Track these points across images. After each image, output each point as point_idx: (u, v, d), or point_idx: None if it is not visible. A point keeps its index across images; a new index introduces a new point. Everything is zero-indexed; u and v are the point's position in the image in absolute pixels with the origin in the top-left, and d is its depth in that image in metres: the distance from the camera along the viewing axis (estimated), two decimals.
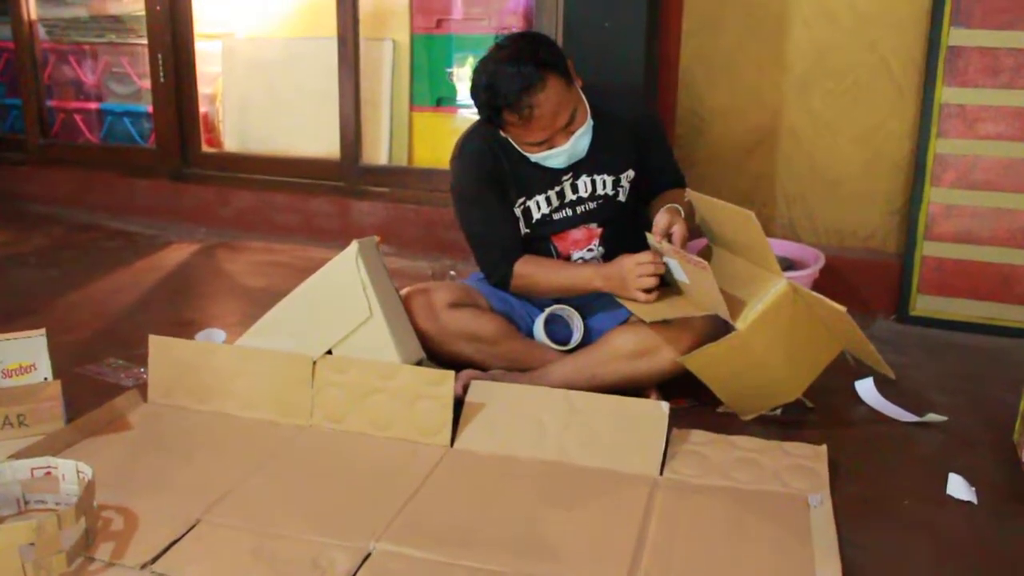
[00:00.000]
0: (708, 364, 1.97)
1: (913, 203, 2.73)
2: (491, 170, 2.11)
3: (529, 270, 2.12)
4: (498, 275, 2.16)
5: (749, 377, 1.96)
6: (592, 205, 2.16)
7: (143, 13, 3.89)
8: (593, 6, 2.70)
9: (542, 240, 2.19)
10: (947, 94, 2.66)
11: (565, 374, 2.06)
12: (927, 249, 2.73)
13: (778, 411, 2.06)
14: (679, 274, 1.98)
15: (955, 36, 2.63)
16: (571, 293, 2.16)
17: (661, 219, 1.99)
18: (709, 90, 3.01)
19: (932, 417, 2.04)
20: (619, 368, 2.04)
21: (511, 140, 2.06)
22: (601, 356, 2.05)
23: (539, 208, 2.15)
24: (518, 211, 2.16)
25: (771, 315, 1.84)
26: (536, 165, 2.11)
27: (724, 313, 1.86)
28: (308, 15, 3.83)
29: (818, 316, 1.86)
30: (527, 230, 2.17)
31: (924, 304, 2.75)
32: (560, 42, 2.76)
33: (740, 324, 1.85)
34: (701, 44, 2.97)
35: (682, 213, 2.04)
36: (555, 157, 2.05)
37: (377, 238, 2.07)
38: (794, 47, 2.87)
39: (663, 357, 2.02)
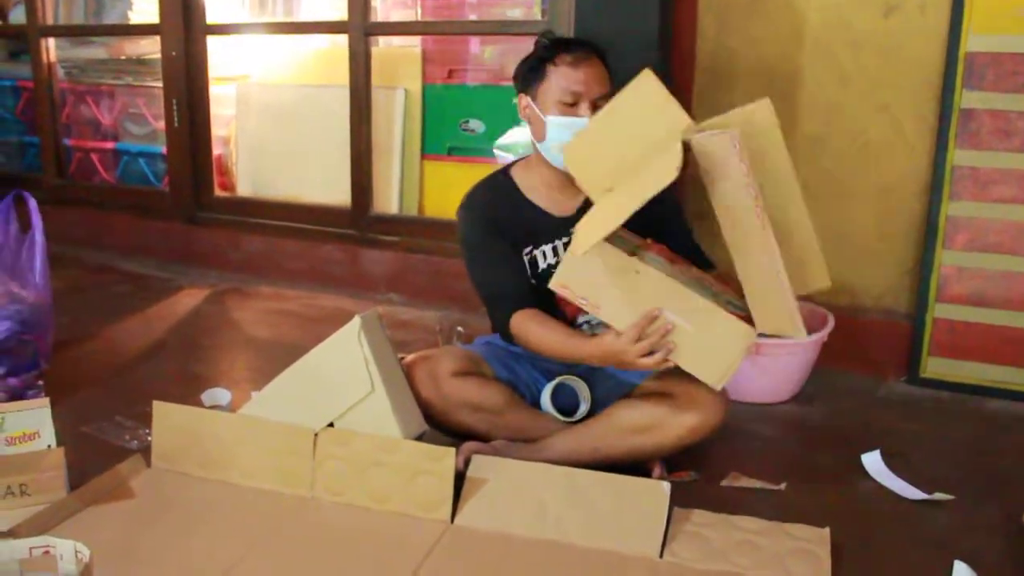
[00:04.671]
0: None
1: (925, 264, 2.71)
2: (496, 219, 2.15)
3: (527, 328, 2.07)
4: (499, 325, 2.15)
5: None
6: None
7: (159, 56, 3.93)
8: None
9: (549, 295, 2.18)
10: (959, 156, 2.64)
11: (567, 447, 2.05)
12: (939, 311, 2.71)
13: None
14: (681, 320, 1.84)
15: (967, 99, 2.62)
16: (564, 361, 2.13)
17: None
18: None
19: (940, 495, 2.01)
20: (622, 442, 2.03)
21: (537, 104, 2.07)
22: (604, 430, 2.04)
23: (545, 258, 2.16)
24: (524, 260, 2.16)
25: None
26: (546, 214, 2.15)
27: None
28: (321, 63, 3.86)
29: None
30: (533, 281, 2.17)
31: (935, 366, 2.73)
32: None
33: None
34: (712, 103, 2.96)
35: None
36: (575, 128, 2.01)
37: (380, 310, 2.07)
38: (806, 107, 2.86)
39: (666, 434, 2.00)
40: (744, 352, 1.81)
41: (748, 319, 1.82)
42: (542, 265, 2.16)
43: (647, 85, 1.81)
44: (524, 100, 2.12)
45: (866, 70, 2.77)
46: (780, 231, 1.71)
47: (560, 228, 2.15)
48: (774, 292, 1.72)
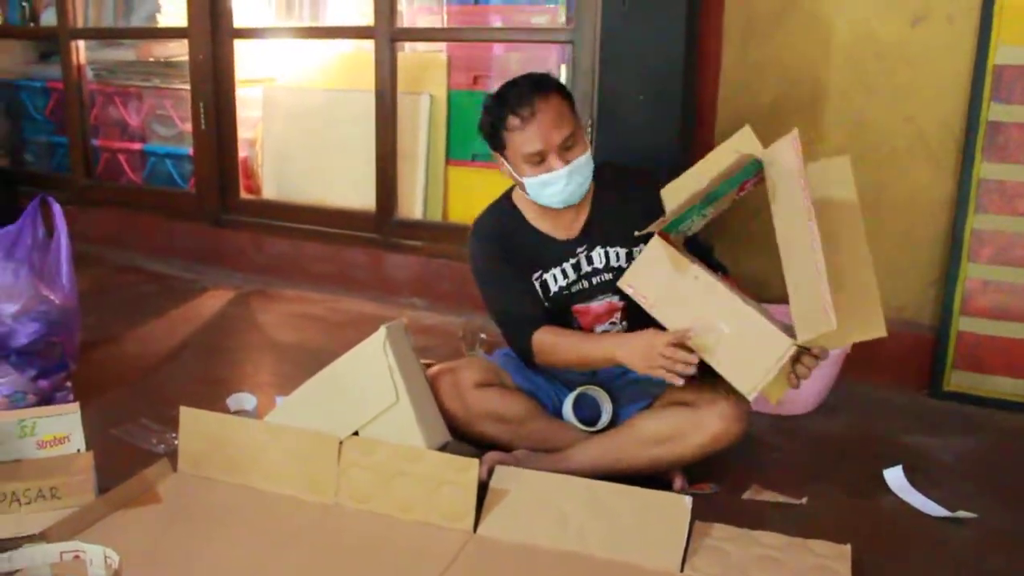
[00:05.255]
0: None
1: (949, 277, 2.70)
2: (503, 245, 2.18)
3: (549, 341, 2.11)
4: (519, 348, 2.17)
5: None
6: (608, 276, 2.18)
7: (186, 58, 3.96)
8: (628, 77, 2.72)
9: (563, 313, 2.20)
10: (986, 169, 2.63)
11: (589, 457, 2.06)
12: (963, 324, 2.70)
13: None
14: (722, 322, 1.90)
15: (995, 111, 2.61)
16: (592, 366, 2.15)
17: None
18: None
19: (963, 514, 2.01)
20: (643, 453, 2.04)
21: (510, 165, 2.10)
22: (625, 441, 2.05)
23: (556, 281, 2.18)
24: (536, 283, 2.19)
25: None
26: (550, 238, 2.18)
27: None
28: (347, 67, 3.88)
29: None
30: (546, 304, 2.19)
31: (958, 380, 2.72)
32: (594, 113, 2.81)
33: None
34: (736, 112, 2.96)
35: None
36: (553, 184, 2.05)
37: (405, 321, 2.09)
38: (830, 117, 2.86)
39: (687, 443, 2.01)
40: (779, 362, 1.82)
41: (789, 333, 1.84)
42: (553, 288, 2.18)
43: (745, 137, 1.99)
44: (499, 158, 2.13)
45: (892, 81, 2.76)
46: (839, 277, 1.78)
47: (565, 251, 2.18)
48: (809, 284, 1.76)
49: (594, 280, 2.18)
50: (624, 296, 2.18)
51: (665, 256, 1.95)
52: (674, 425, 2.02)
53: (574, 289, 2.18)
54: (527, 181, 2.08)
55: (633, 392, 2.18)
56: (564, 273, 2.17)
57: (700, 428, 2.00)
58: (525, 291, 2.17)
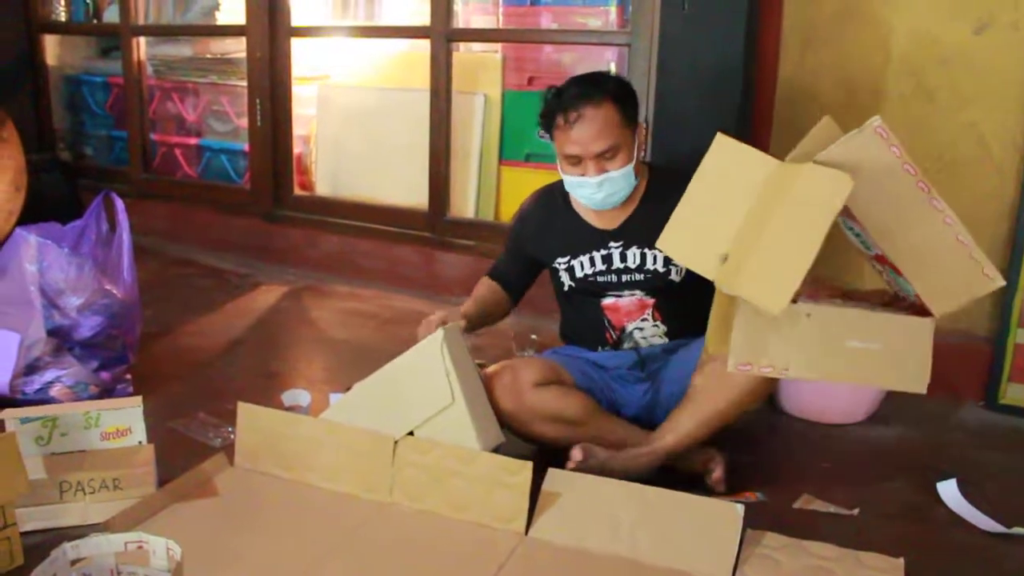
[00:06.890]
0: None
1: (1008, 288, 2.66)
2: (534, 227, 2.35)
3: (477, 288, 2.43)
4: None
5: None
6: (639, 277, 2.23)
7: (243, 55, 4.03)
8: (684, 81, 2.71)
9: (592, 303, 2.27)
10: None
11: (680, 433, 2.07)
12: (1020, 336, 2.66)
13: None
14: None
15: None
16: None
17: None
18: None
19: (1018, 531, 1.98)
20: (717, 401, 2.05)
21: (558, 157, 2.18)
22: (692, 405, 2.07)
23: (583, 268, 2.26)
24: (563, 266, 2.28)
25: None
26: (588, 225, 2.26)
27: None
28: (401, 66, 3.91)
29: None
30: (572, 284, 2.28)
31: (1015, 393, 2.68)
32: (649, 116, 2.81)
33: None
34: (793, 117, 2.94)
35: None
36: (583, 188, 2.14)
37: (462, 323, 2.11)
38: (890, 123, 2.77)
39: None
40: (931, 342, 1.76)
41: (915, 310, 1.79)
42: (579, 274, 2.27)
43: (725, 147, 1.83)
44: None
45: (954, 87, 2.72)
46: (919, 253, 1.74)
47: (599, 241, 2.25)
48: (951, 256, 1.72)
49: (623, 277, 2.23)
50: (655, 294, 2.21)
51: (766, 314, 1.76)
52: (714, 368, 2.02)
53: (600, 280, 2.24)
54: (565, 178, 2.17)
55: (678, 387, 2.16)
56: (592, 261, 2.24)
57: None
58: (512, 262, 2.43)
